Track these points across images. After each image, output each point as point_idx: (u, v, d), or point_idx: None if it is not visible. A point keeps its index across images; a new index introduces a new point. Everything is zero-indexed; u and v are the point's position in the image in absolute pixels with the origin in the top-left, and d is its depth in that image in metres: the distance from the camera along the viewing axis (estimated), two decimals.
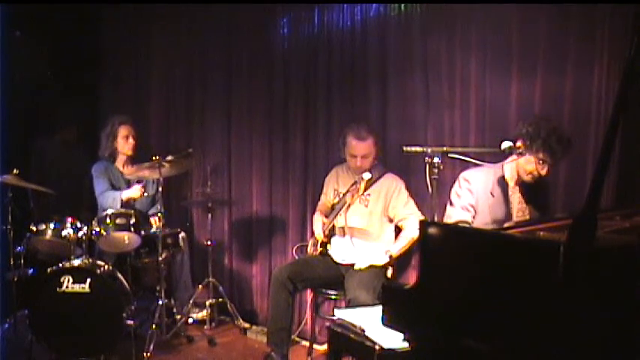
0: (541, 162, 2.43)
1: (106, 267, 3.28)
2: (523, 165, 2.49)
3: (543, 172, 2.46)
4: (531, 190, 2.59)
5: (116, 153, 3.93)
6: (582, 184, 2.60)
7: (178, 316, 3.76)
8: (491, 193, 2.57)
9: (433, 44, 3.18)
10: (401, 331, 1.92)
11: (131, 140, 3.89)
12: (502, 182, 2.58)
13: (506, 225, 2.43)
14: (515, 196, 2.59)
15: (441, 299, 1.71)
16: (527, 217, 2.58)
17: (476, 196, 2.58)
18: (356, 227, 3.18)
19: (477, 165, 2.41)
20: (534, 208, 2.62)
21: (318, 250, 3.24)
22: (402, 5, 3.28)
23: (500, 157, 2.56)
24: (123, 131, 3.88)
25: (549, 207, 2.70)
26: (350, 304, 2.81)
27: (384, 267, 3.03)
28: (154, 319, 3.46)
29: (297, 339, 3.60)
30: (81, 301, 3.12)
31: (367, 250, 3.13)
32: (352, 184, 3.15)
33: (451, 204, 2.62)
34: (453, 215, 2.59)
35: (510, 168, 2.58)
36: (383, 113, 3.41)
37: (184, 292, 3.91)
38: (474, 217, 2.58)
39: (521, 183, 2.58)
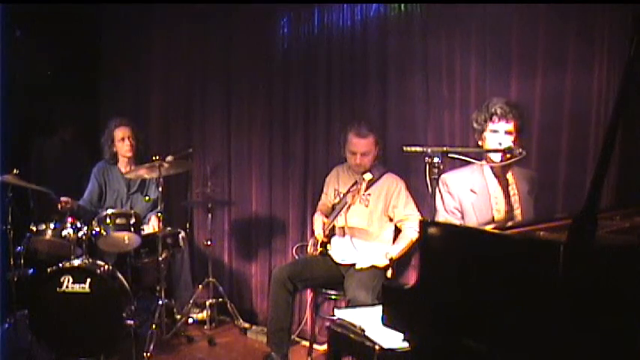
0: (498, 132, 2.44)
1: (106, 267, 3.28)
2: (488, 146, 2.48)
3: (507, 142, 2.43)
4: (516, 180, 2.56)
5: (117, 156, 3.96)
6: (582, 184, 2.59)
7: (178, 316, 3.77)
8: (471, 191, 2.55)
9: (433, 44, 3.18)
10: (401, 331, 1.91)
11: (127, 142, 3.90)
12: (482, 177, 2.56)
13: (505, 224, 2.42)
14: (500, 191, 2.54)
15: (441, 299, 1.71)
16: (517, 209, 2.52)
17: (457, 198, 2.56)
18: (356, 227, 3.18)
19: (475, 164, 2.41)
20: (523, 197, 2.55)
21: (318, 250, 3.24)
22: (402, 5, 3.29)
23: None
24: (118, 134, 3.91)
25: (541, 199, 2.65)
26: (349, 304, 2.81)
27: (384, 267, 3.03)
28: (154, 319, 3.46)
29: (297, 339, 3.60)
30: (81, 301, 3.12)
31: (367, 250, 3.13)
32: (353, 184, 3.15)
33: (437, 211, 2.59)
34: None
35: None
36: (383, 113, 3.42)
37: (184, 292, 3.91)
38: (462, 219, 2.57)
39: (506, 175, 2.55)
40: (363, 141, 3.11)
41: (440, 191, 2.60)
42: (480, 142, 2.56)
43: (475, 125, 2.55)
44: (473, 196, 2.54)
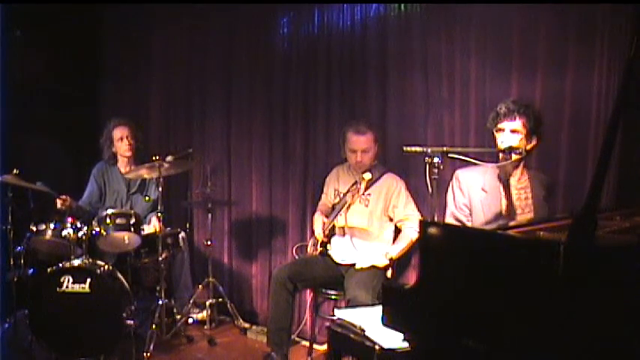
0: (503, 131, 2.44)
1: (106, 267, 3.28)
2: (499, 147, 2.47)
3: (512, 140, 2.41)
4: (532, 184, 2.55)
5: (116, 156, 3.96)
6: (582, 184, 2.59)
7: (178, 316, 3.76)
8: (482, 189, 2.55)
9: (433, 44, 3.18)
10: (401, 331, 1.91)
11: (126, 141, 3.90)
12: (494, 177, 2.56)
13: (506, 224, 2.42)
14: (512, 191, 2.53)
15: (441, 299, 1.71)
16: (530, 213, 2.51)
17: (467, 195, 2.57)
18: (356, 227, 3.18)
19: (476, 164, 2.40)
20: (538, 203, 2.54)
21: (318, 250, 3.24)
22: (402, 5, 3.29)
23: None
24: (117, 133, 3.91)
25: (553, 200, 2.64)
26: (349, 304, 2.81)
27: (384, 267, 3.03)
28: (153, 319, 3.46)
29: (297, 339, 3.60)
30: (81, 301, 3.12)
31: (367, 249, 3.13)
32: (353, 184, 3.15)
33: (447, 205, 2.63)
34: (449, 216, 2.60)
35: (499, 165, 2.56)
36: (383, 113, 3.42)
37: (184, 292, 3.91)
38: (470, 216, 2.58)
39: (510, 176, 2.54)
40: (362, 138, 3.12)
41: (452, 186, 2.61)
42: (494, 143, 2.55)
43: (487, 125, 2.56)
44: (483, 194, 2.54)
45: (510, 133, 2.44)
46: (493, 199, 2.53)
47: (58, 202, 3.54)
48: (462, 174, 2.61)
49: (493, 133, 2.53)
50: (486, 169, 2.54)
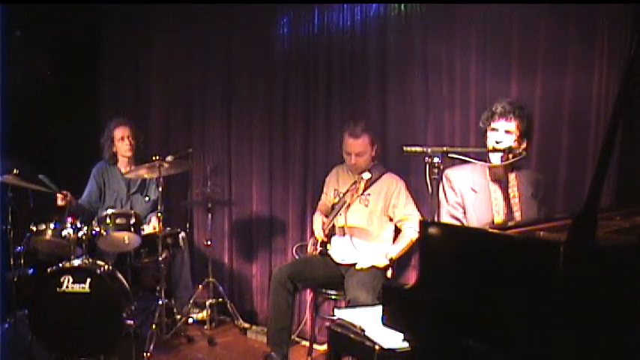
0: (497, 131, 2.44)
1: (106, 267, 3.28)
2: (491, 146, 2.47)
3: (506, 141, 2.41)
4: (518, 183, 2.54)
5: (116, 156, 3.96)
6: (582, 184, 2.59)
7: (178, 316, 3.77)
8: (472, 189, 2.54)
9: (433, 44, 3.18)
10: (401, 331, 1.91)
11: (127, 141, 3.90)
12: (483, 177, 2.56)
13: (505, 225, 2.42)
14: (500, 192, 2.53)
15: (441, 299, 1.71)
16: (517, 212, 2.49)
17: (460, 194, 2.56)
18: (356, 227, 3.18)
19: (475, 164, 2.40)
20: (525, 201, 2.52)
21: (318, 250, 3.24)
22: (402, 5, 3.29)
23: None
24: (118, 133, 3.91)
25: (547, 201, 2.63)
26: (350, 304, 2.81)
27: (384, 267, 3.04)
28: (154, 319, 3.46)
29: (297, 339, 3.60)
30: (81, 301, 3.12)
31: (367, 249, 3.13)
32: (352, 184, 3.16)
33: (440, 204, 2.61)
34: (443, 215, 2.59)
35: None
36: (383, 113, 3.42)
37: (184, 292, 3.91)
38: (463, 214, 2.57)
39: (507, 176, 2.53)
40: (357, 141, 3.11)
41: (443, 186, 2.60)
42: (485, 142, 2.55)
43: (480, 124, 2.56)
44: (473, 194, 2.54)
45: (504, 134, 2.44)
46: (484, 200, 2.53)
47: (59, 198, 3.54)
48: (451, 174, 2.60)
49: (485, 132, 2.53)
50: (475, 168, 2.54)
